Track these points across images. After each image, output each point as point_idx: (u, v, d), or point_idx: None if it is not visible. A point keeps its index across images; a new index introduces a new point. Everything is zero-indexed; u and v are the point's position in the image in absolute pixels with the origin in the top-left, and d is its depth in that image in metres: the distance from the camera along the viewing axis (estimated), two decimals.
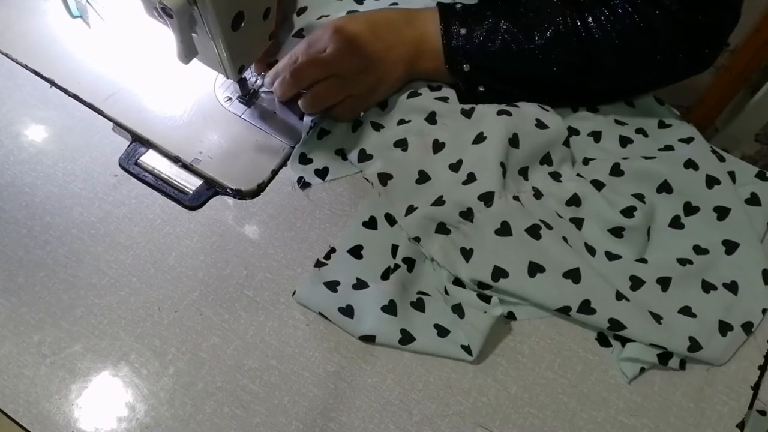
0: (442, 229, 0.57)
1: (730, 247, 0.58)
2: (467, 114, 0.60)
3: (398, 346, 0.53)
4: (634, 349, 0.53)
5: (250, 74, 0.63)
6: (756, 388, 0.54)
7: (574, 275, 0.54)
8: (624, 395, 0.53)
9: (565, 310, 0.54)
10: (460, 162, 0.59)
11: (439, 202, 0.57)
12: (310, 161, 0.61)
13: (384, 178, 0.59)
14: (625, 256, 0.57)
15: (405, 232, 0.57)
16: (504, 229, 0.55)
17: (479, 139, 0.59)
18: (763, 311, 0.56)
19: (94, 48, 0.67)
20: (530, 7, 0.59)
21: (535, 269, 0.54)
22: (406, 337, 0.53)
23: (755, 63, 1.07)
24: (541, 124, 0.59)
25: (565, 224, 0.58)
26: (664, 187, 0.60)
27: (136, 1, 0.50)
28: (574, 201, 0.58)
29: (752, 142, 1.22)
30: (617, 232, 0.57)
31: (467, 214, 0.56)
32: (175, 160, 0.61)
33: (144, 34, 0.67)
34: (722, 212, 0.59)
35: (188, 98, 0.64)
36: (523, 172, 0.59)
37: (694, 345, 0.53)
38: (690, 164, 0.61)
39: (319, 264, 0.56)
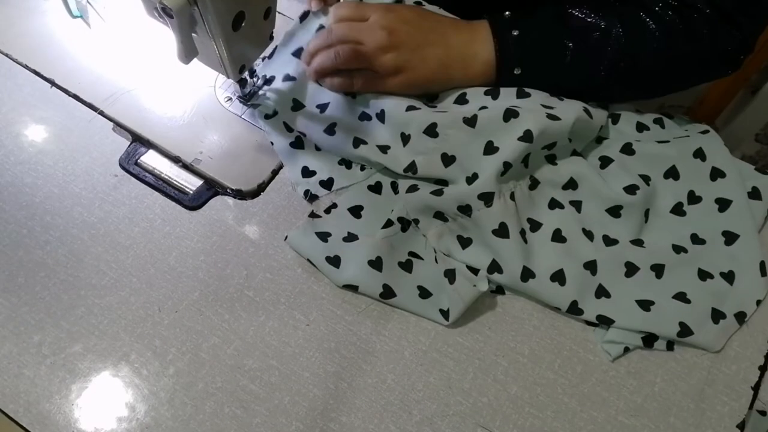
0: (440, 215, 0.57)
1: (730, 238, 0.58)
2: (470, 123, 0.58)
3: (377, 299, 0.55)
4: (618, 333, 0.54)
5: (250, 74, 0.63)
6: (756, 388, 0.54)
7: (560, 277, 0.55)
8: (624, 395, 0.53)
9: (555, 310, 0.56)
10: (475, 175, 0.57)
11: (438, 192, 0.57)
12: (313, 173, 0.61)
13: (377, 188, 0.61)
14: (622, 240, 0.58)
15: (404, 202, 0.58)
16: (502, 231, 0.55)
17: (491, 149, 0.57)
18: (758, 303, 0.56)
19: (94, 48, 0.67)
20: (579, 11, 0.60)
21: (527, 275, 0.55)
22: (387, 292, 0.55)
23: (755, 63, 1.07)
24: (552, 116, 0.57)
25: (561, 214, 0.58)
26: (672, 173, 0.60)
27: (136, 1, 0.50)
28: (571, 185, 0.59)
29: (752, 142, 1.22)
30: (615, 211, 0.58)
31: (465, 209, 0.56)
32: (176, 160, 0.61)
33: (144, 34, 0.67)
34: (723, 204, 0.59)
35: (188, 98, 0.64)
36: (525, 159, 0.59)
37: (685, 330, 0.54)
38: (698, 154, 0.61)
39: (313, 215, 0.58)
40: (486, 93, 0.60)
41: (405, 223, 0.58)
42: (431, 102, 0.62)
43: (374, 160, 0.60)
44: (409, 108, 0.59)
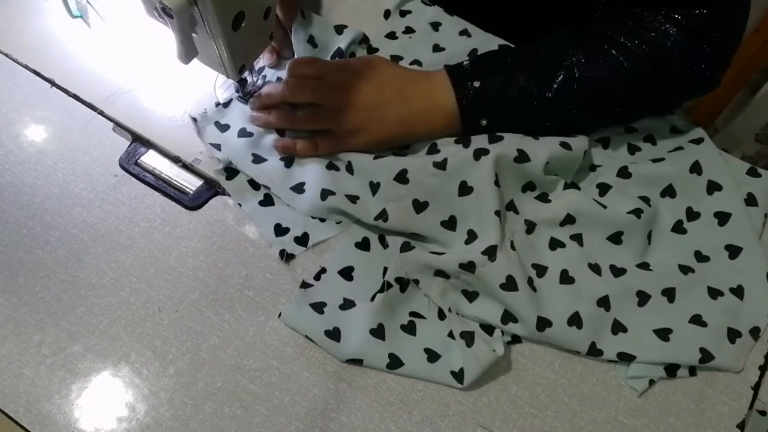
0: (441, 273, 0.55)
1: (733, 251, 0.58)
2: (441, 166, 0.56)
3: (385, 370, 0.53)
4: (640, 368, 0.53)
5: (249, 74, 0.63)
6: (756, 388, 0.54)
7: (577, 321, 0.53)
8: (624, 395, 0.53)
9: (574, 353, 0.54)
10: (453, 219, 0.56)
11: (438, 253, 0.55)
12: (287, 231, 0.58)
13: (365, 244, 0.58)
14: (629, 267, 0.56)
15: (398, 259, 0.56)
16: (510, 284, 0.53)
17: (465, 190, 0.56)
18: None
19: (94, 48, 0.67)
20: (538, 53, 0.58)
21: (543, 324, 0.53)
22: (394, 362, 0.52)
23: (755, 63, 1.07)
24: (522, 157, 0.56)
25: (563, 253, 0.57)
26: (669, 191, 0.60)
27: (136, 1, 0.50)
28: (568, 220, 0.57)
29: (752, 142, 1.22)
30: (616, 238, 0.57)
31: (468, 267, 0.54)
32: (176, 160, 0.61)
33: (144, 34, 0.67)
34: (723, 217, 0.59)
35: (188, 98, 0.64)
36: (512, 206, 0.58)
37: (706, 355, 0.53)
38: (695, 168, 0.60)
39: (305, 285, 0.55)
40: (456, 142, 0.59)
41: (403, 283, 0.55)
42: (402, 152, 0.61)
43: (343, 211, 0.58)
44: (377, 157, 0.58)
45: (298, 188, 0.59)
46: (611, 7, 0.62)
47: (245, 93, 0.63)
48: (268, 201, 0.59)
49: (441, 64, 0.61)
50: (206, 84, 0.65)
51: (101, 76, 0.65)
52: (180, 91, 0.65)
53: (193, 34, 0.51)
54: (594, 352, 0.53)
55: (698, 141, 0.63)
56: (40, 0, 0.69)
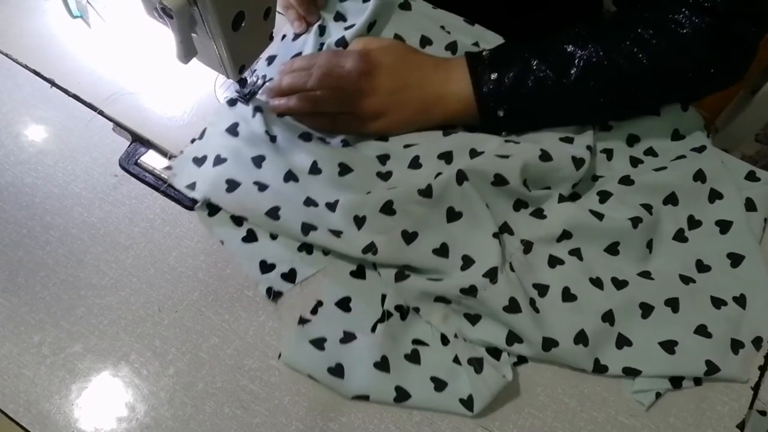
0: (441, 299, 0.54)
1: (735, 260, 0.58)
2: (426, 193, 0.55)
3: (393, 404, 0.52)
4: (645, 381, 0.53)
5: (250, 74, 0.63)
6: (756, 388, 0.54)
7: (583, 339, 0.53)
8: (624, 395, 0.53)
9: (580, 371, 0.54)
10: (445, 246, 0.55)
11: (436, 279, 0.54)
12: (272, 267, 0.56)
13: (360, 272, 0.57)
14: (631, 278, 0.56)
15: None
16: (513, 306, 0.52)
17: (454, 216, 0.56)
18: None
19: (94, 48, 0.67)
20: (556, 44, 0.58)
21: (549, 344, 0.52)
22: (401, 395, 0.51)
23: (755, 63, 1.07)
24: (499, 180, 0.56)
25: (563, 270, 0.56)
26: (671, 199, 0.59)
27: (136, 1, 0.50)
28: (565, 235, 0.57)
29: (752, 142, 1.22)
30: (613, 249, 0.57)
31: (470, 291, 0.53)
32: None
33: (144, 34, 0.67)
34: (724, 226, 0.59)
35: (188, 98, 0.64)
36: (506, 228, 0.57)
37: (711, 367, 0.53)
38: (699, 176, 0.60)
39: (302, 321, 0.54)
40: (439, 157, 0.59)
41: (403, 311, 0.54)
42: (383, 164, 0.60)
43: (327, 246, 0.56)
44: (360, 191, 0.57)
45: (273, 214, 0.56)
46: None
47: (245, 93, 0.63)
48: (251, 237, 0.57)
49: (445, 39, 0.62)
50: (206, 84, 0.65)
51: (101, 76, 0.65)
52: (180, 91, 0.65)
53: (193, 34, 0.51)
54: (599, 368, 0.53)
55: (701, 149, 0.62)
56: (40, 0, 0.69)
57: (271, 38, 0.57)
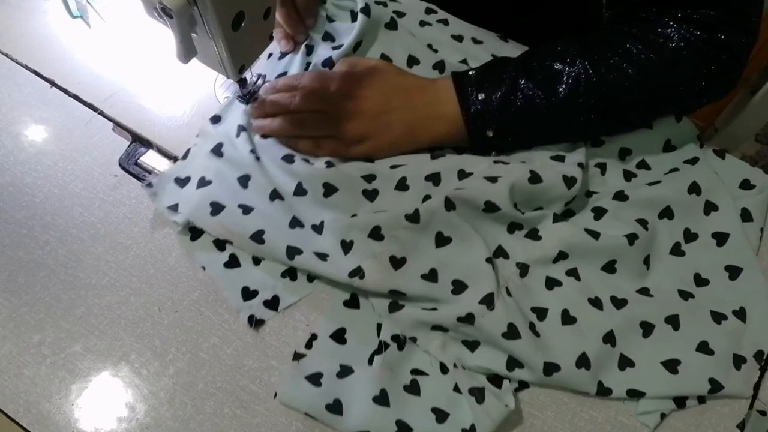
0: (438, 327, 0.53)
1: (733, 272, 0.57)
2: (414, 219, 0.54)
3: None
4: (649, 402, 0.52)
5: (250, 74, 0.63)
6: (756, 388, 0.54)
7: (585, 362, 0.52)
8: None
9: (583, 394, 0.53)
10: (434, 271, 0.54)
11: (432, 308, 0.53)
12: (255, 294, 0.55)
13: (353, 301, 0.55)
14: (630, 296, 0.56)
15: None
16: (512, 332, 0.51)
17: (442, 241, 0.55)
18: None
19: (94, 48, 0.67)
20: (544, 61, 0.57)
21: (551, 369, 0.51)
22: (403, 429, 0.50)
23: (755, 63, 1.07)
24: (490, 207, 0.55)
25: (561, 292, 0.55)
26: (667, 213, 0.59)
27: (136, 1, 0.50)
28: (561, 256, 0.56)
29: (752, 142, 1.22)
30: (610, 267, 0.56)
31: (467, 319, 0.52)
32: (175, 160, 0.61)
33: (144, 34, 0.67)
34: (721, 238, 0.58)
35: (188, 98, 0.64)
36: (501, 252, 0.56)
37: (715, 386, 0.52)
38: (693, 188, 0.59)
39: (297, 356, 0.52)
40: (427, 178, 0.58)
41: (400, 341, 0.53)
42: (369, 183, 0.58)
43: (312, 270, 0.55)
44: (345, 214, 0.56)
45: (257, 237, 0.55)
46: (616, 4, 0.61)
47: (245, 93, 0.63)
48: (233, 262, 0.56)
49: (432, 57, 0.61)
50: (206, 84, 0.65)
51: (101, 76, 0.65)
52: (180, 91, 0.65)
53: (193, 34, 0.51)
54: (603, 391, 0.52)
55: (693, 161, 0.62)
56: (40, 0, 0.69)
57: (271, 38, 0.57)
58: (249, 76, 0.63)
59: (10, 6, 0.69)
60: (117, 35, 0.68)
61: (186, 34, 0.50)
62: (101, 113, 0.63)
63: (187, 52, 0.51)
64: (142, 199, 0.60)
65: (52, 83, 0.65)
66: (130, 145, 0.62)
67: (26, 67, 0.65)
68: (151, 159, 0.61)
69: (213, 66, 0.55)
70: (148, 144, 0.62)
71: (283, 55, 0.66)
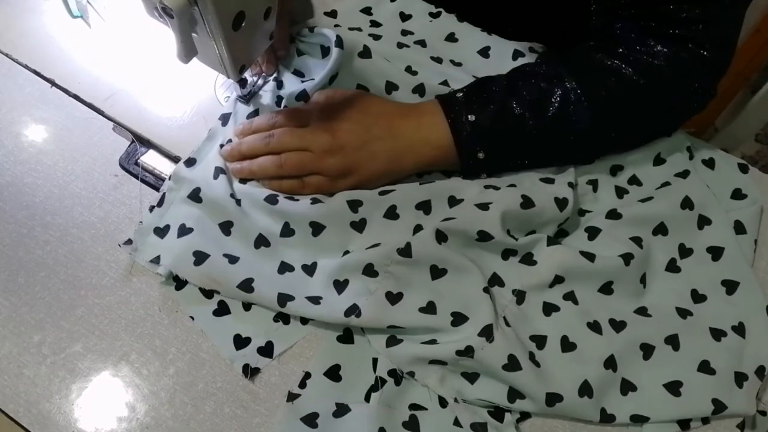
0: (437, 361, 0.52)
1: (730, 287, 0.57)
2: (406, 253, 0.53)
3: None
4: (653, 428, 0.52)
5: (250, 74, 0.63)
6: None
7: (587, 390, 0.51)
8: None
9: (586, 422, 0.52)
10: (432, 304, 0.53)
11: (431, 342, 0.52)
12: (248, 341, 0.53)
13: (347, 337, 0.54)
14: (628, 317, 0.55)
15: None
16: (512, 364, 0.50)
17: (438, 273, 0.54)
18: None
19: (94, 48, 0.67)
20: (531, 80, 0.57)
21: (553, 399, 0.51)
22: None
23: (755, 63, 1.07)
24: (483, 236, 0.54)
25: (560, 318, 0.54)
26: (660, 230, 0.59)
27: (136, 1, 0.50)
28: (557, 280, 0.55)
29: (752, 142, 1.22)
30: (607, 288, 0.56)
31: (466, 352, 0.51)
32: (176, 160, 0.61)
33: (144, 34, 0.67)
34: (716, 252, 0.58)
35: (188, 98, 0.64)
36: (496, 280, 0.56)
37: (719, 406, 0.52)
38: (686, 203, 0.59)
39: (291, 397, 0.51)
40: (417, 207, 0.57)
41: (397, 376, 0.51)
42: (356, 212, 0.56)
43: (306, 316, 0.53)
44: (337, 251, 0.56)
45: (246, 286, 0.53)
46: (601, 14, 0.60)
47: (245, 93, 0.63)
48: (223, 310, 0.54)
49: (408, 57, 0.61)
50: (206, 84, 0.65)
51: (101, 76, 0.65)
52: (180, 91, 0.65)
53: (193, 34, 0.51)
54: (606, 418, 0.51)
55: (684, 174, 0.61)
56: (40, 0, 0.69)
57: (271, 38, 0.58)
58: (249, 76, 0.63)
59: (10, 6, 0.69)
60: (117, 35, 0.68)
61: (186, 33, 0.50)
62: (101, 113, 0.63)
63: (187, 51, 0.51)
64: (143, 199, 0.60)
65: (53, 83, 0.65)
66: (130, 145, 0.62)
67: (26, 67, 0.65)
68: (151, 159, 0.61)
69: (213, 66, 0.55)
70: (148, 144, 0.62)
71: (249, 93, 0.63)
